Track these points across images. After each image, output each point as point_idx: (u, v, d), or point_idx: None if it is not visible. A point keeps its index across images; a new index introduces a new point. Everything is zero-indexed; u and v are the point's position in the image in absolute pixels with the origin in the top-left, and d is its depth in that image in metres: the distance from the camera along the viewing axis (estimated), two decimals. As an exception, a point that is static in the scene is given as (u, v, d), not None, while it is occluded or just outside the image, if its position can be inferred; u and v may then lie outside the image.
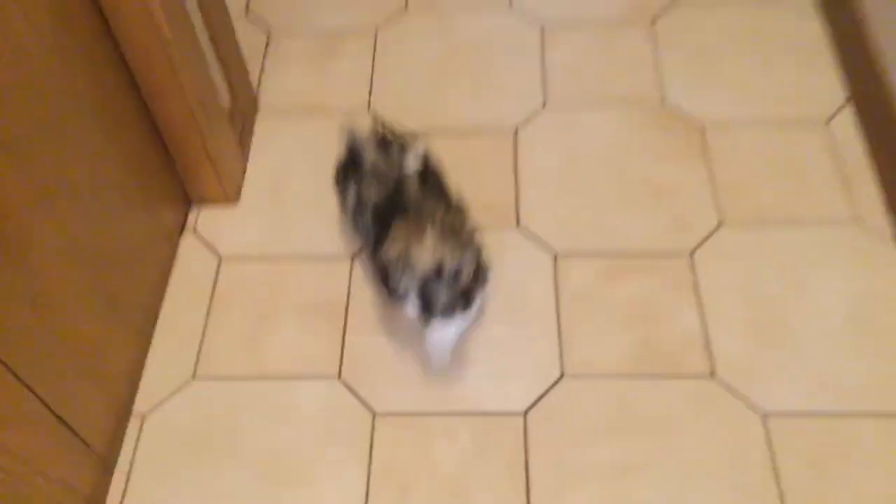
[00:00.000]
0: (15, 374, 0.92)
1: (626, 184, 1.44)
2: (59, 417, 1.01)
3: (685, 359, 1.23)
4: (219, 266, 1.37)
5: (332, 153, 1.49)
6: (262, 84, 1.61)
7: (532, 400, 1.20)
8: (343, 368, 1.24)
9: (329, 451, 1.17)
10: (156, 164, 1.32)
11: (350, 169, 1.21)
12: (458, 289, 1.04)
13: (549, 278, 1.33)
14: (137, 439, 1.19)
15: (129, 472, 1.16)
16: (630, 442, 1.16)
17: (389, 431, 1.18)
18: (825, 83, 1.55)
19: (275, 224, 1.42)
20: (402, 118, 1.54)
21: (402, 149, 1.17)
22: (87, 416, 1.08)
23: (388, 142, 1.18)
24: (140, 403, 1.22)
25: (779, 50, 1.60)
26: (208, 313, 1.31)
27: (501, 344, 1.26)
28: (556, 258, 1.36)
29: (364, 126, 1.21)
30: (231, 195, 1.44)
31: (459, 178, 1.44)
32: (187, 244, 1.39)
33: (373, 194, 1.15)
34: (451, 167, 1.46)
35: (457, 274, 1.03)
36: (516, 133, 1.52)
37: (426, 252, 1.02)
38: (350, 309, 1.31)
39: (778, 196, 1.41)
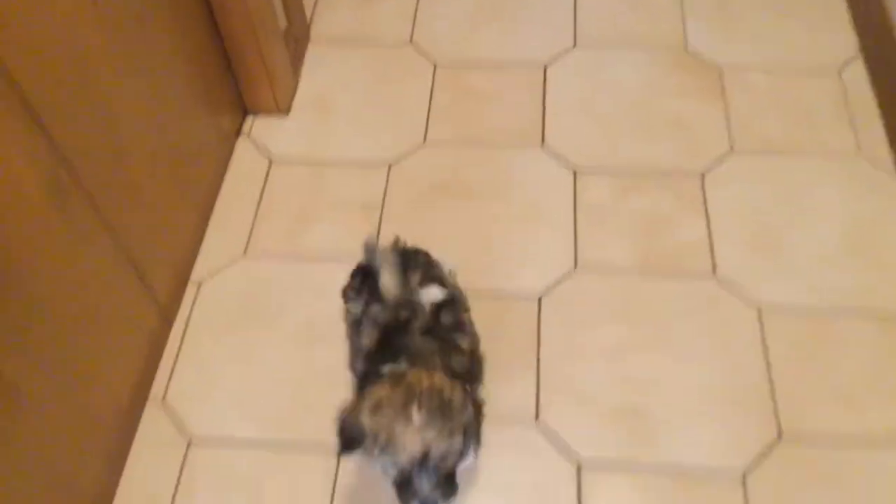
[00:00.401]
0: (96, 210, 1.06)
1: (646, 114, 1.56)
2: (130, 260, 1.16)
3: (689, 261, 1.35)
4: (269, 166, 1.51)
5: (374, 79, 1.65)
6: (314, 14, 1.76)
7: (546, 287, 1.33)
8: (377, 254, 1.38)
9: (362, 320, 1.31)
10: (219, 73, 1.47)
11: (361, 284, 1.08)
12: (443, 475, 0.93)
13: (569, 191, 1.46)
14: (194, 301, 1.34)
15: (186, 327, 1.31)
16: (633, 328, 1.28)
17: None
18: (839, 36, 1.65)
19: (320, 134, 1.56)
20: (440, 51, 1.68)
21: (425, 277, 1.05)
22: (153, 268, 1.23)
23: (410, 265, 1.06)
24: (197, 272, 1.37)
25: (797, 5, 1.71)
26: (259, 204, 1.46)
27: (520, 240, 1.39)
28: (575, 174, 1.48)
29: (385, 243, 1.09)
30: (282, 107, 1.59)
31: (490, 106, 1.59)
32: (242, 146, 1.54)
33: (378, 318, 1.03)
34: (482, 96, 1.61)
35: (442, 461, 0.92)
36: (546, 68, 1.64)
37: (410, 437, 0.89)
38: (385, 204, 1.44)
39: (787, 130, 1.52)
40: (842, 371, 1.22)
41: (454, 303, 1.07)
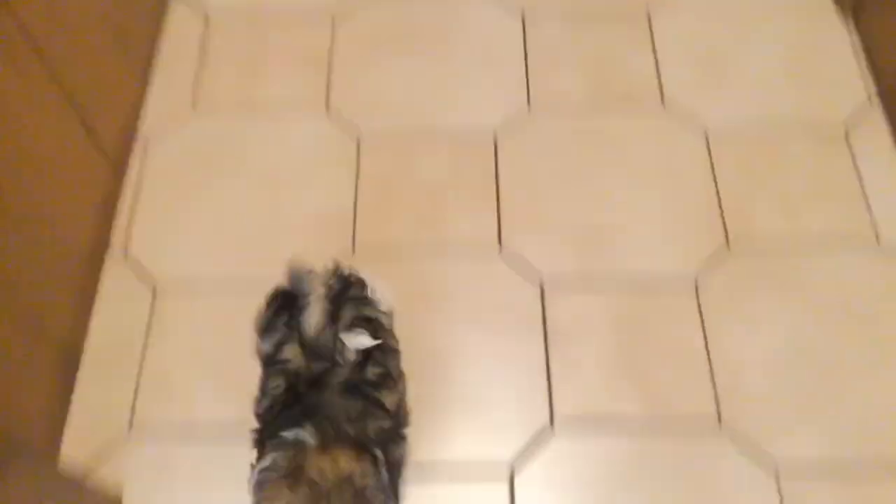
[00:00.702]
0: (42, 59, 1.02)
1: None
2: (78, 113, 1.12)
3: (639, 92, 1.38)
4: (207, 23, 1.46)
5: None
6: None
7: (501, 123, 1.34)
8: (329, 102, 1.37)
9: (321, 166, 1.31)
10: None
11: (276, 317, 0.91)
12: None
13: (518, 34, 1.45)
14: (144, 156, 1.31)
15: (140, 181, 1.29)
16: (586, 157, 1.31)
17: (374, 148, 1.32)
18: None
19: (259, -12, 1.51)
20: None
21: (355, 318, 0.89)
22: (100, 122, 1.19)
23: (342, 299, 0.89)
24: (146, 128, 1.34)
25: None
26: (201, 60, 1.41)
27: (474, 82, 1.39)
28: (524, 15, 1.47)
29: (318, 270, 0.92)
30: (217, -40, 1.51)
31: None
32: (175, 10, 1.48)
33: (290, 364, 0.87)
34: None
35: None
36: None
37: None
38: (334, 53, 1.42)
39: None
40: (783, 185, 1.28)
41: (384, 352, 0.92)
